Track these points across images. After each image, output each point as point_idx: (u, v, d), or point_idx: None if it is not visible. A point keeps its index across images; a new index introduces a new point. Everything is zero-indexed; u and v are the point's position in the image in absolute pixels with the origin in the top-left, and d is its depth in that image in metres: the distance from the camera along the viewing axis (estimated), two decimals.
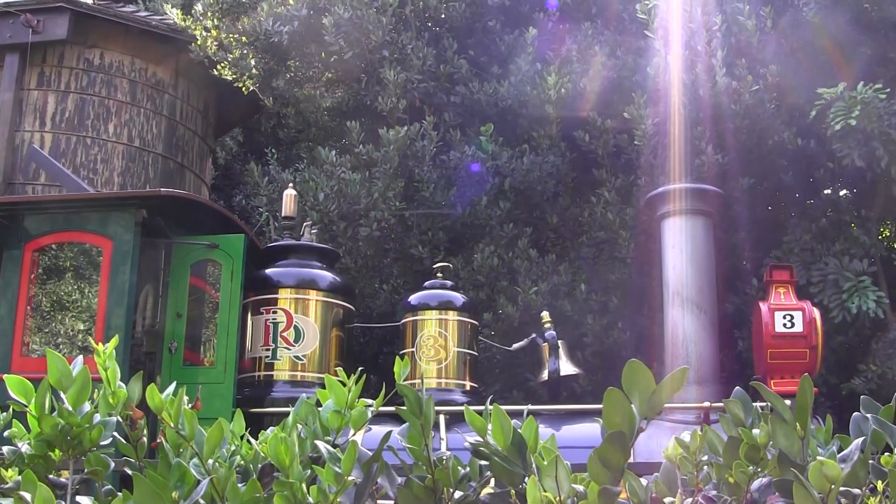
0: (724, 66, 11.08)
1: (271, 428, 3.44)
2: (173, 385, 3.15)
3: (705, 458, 2.95)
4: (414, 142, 12.08)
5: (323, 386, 3.51)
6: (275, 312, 9.92)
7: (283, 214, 10.75)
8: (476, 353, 10.21)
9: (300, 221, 10.92)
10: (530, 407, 8.52)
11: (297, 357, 9.79)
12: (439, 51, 12.84)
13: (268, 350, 9.83)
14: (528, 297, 11.56)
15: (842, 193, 12.08)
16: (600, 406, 9.00)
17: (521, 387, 11.80)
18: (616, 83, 11.95)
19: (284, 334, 9.83)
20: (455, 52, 12.72)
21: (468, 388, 9.95)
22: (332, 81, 13.66)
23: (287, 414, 3.57)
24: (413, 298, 10.23)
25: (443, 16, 13.10)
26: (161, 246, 9.89)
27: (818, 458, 2.37)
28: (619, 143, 11.81)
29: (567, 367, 9.84)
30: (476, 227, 12.50)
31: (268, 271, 10.20)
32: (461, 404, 9.55)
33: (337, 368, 3.42)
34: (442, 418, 8.75)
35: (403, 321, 10.12)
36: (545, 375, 9.83)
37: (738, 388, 3.19)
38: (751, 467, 2.70)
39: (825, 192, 12.01)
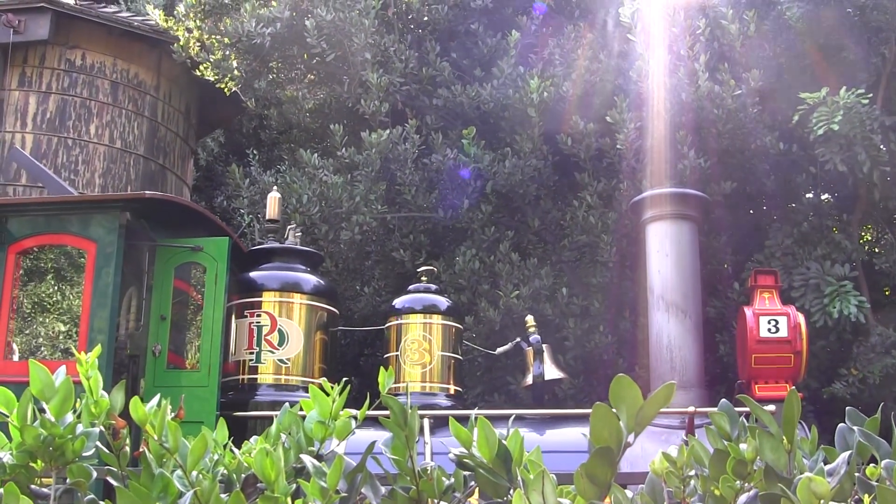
0: (706, 70, 11.11)
1: (254, 437, 3.42)
2: (157, 397, 3.13)
3: (692, 472, 2.95)
4: (396, 145, 12.06)
5: (306, 390, 3.50)
6: (259, 316, 9.89)
7: (266, 217, 10.70)
8: (460, 357, 10.21)
9: (283, 224, 10.89)
10: (516, 412, 8.49)
11: (281, 360, 9.77)
12: (422, 53, 12.85)
13: (252, 353, 9.80)
14: (510, 301, 11.56)
15: (823, 198, 12.15)
16: (584, 411, 8.93)
17: (503, 390, 11.80)
18: (598, 87, 11.97)
19: (268, 338, 9.81)
20: (437, 55, 12.73)
21: (452, 391, 9.94)
22: (315, 83, 13.64)
23: (271, 418, 3.55)
24: (397, 302, 10.22)
25: (425, 18, 13.10)
26: (145, 248, 9.85)
27: (806, 473, 2.36)
28: (601, 147, 11.82)
29: (551, 371, 9.82)
30: (458, 231, 12.50)
31: (252, 274, 10.18)
32: (445, 408, 9.57)
33: (322, 379, 3.39)
34: (426, 423, 8.71)
35: (388, 325, 10.12)
36: (529, 380, 9.82)
37: (723, 399, 3.18)
38: (738, 482, 2.70)
39: (807, 196, 12.07)
